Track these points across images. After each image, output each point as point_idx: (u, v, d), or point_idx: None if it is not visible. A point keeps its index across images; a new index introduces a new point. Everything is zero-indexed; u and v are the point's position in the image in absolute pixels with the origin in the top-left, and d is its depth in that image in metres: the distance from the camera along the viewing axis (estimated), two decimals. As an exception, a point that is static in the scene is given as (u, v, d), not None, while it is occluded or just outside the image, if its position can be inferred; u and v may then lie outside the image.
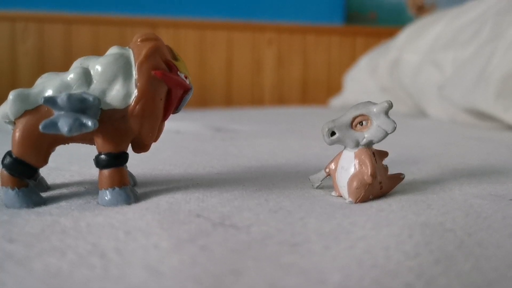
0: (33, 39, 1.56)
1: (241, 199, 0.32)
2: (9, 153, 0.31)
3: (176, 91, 0.32)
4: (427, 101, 1.04)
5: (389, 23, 1.89)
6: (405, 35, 1.23)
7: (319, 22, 1.83)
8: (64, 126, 0.28)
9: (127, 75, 0.31)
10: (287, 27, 1.79)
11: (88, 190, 0.36)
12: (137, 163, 0.45)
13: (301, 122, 0.95)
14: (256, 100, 1.78)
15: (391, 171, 0.34)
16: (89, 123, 0.29)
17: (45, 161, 0.32)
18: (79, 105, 0.29)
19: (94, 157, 0.32)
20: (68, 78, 0.31)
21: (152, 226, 0.26)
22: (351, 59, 1.85)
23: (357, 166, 0.32)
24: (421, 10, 1.92)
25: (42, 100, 0.29)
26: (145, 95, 0.30)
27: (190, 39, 1.70)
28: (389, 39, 1.39)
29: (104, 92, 0.30)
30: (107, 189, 0.31)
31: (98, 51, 1.60)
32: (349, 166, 0.33)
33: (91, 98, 0.29)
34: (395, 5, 1.89)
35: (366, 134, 0.32)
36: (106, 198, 0.31)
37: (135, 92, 0.30)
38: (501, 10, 0.88)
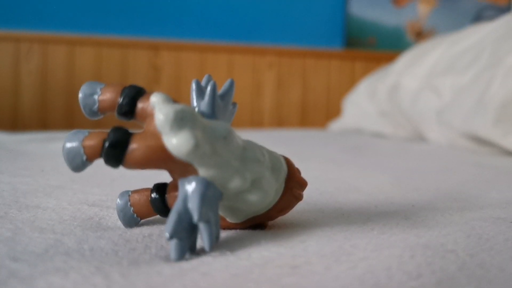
0: (37, 59, 1.58)
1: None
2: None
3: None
4: (426, 126, 1.04)
5: (388, 48, 1.91)
6: (404, 60, 1.24)
7: (319, 46, 1.86)
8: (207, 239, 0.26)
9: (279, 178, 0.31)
10: (287, 51, 1.81)
11: (90, 208, 0.36)
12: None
13: (301, 145, 0.95)
14: (255, 122, 1.79)
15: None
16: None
17: None
18: None
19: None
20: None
21: (153, 256, 0.26)
22: (351, 83, 1.87)
23: None
24: (420, 35, 1.95)
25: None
26: (287, 210, 0.31)
27: (191, 61, 1.72)
28: (388, 64, 1.41)
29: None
30: None
31: (100, 73, 1.62)
32: None
33: None
34: (394, 30, 1.92)
35: None
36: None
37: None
38: (499, 37, 0.90)
